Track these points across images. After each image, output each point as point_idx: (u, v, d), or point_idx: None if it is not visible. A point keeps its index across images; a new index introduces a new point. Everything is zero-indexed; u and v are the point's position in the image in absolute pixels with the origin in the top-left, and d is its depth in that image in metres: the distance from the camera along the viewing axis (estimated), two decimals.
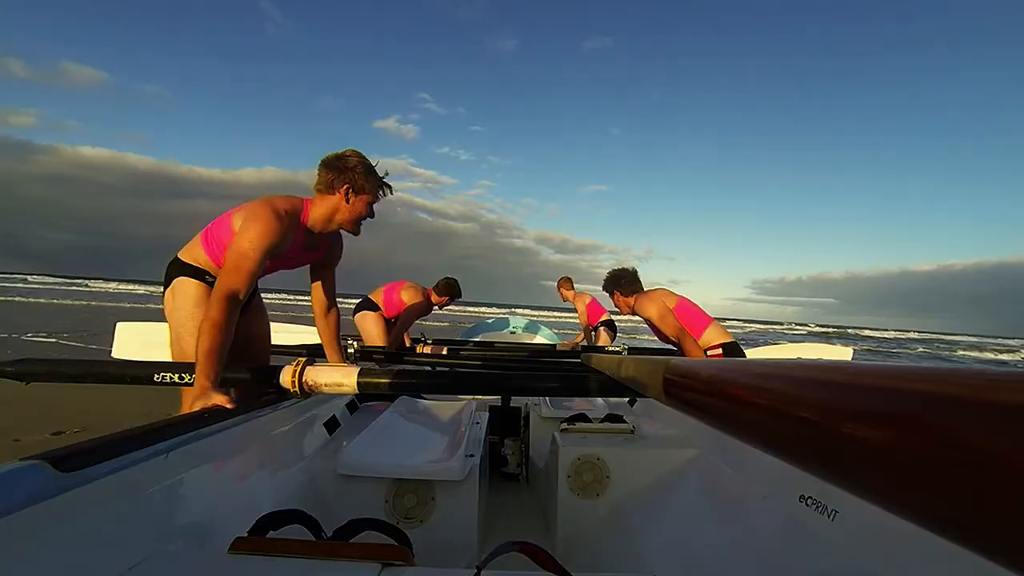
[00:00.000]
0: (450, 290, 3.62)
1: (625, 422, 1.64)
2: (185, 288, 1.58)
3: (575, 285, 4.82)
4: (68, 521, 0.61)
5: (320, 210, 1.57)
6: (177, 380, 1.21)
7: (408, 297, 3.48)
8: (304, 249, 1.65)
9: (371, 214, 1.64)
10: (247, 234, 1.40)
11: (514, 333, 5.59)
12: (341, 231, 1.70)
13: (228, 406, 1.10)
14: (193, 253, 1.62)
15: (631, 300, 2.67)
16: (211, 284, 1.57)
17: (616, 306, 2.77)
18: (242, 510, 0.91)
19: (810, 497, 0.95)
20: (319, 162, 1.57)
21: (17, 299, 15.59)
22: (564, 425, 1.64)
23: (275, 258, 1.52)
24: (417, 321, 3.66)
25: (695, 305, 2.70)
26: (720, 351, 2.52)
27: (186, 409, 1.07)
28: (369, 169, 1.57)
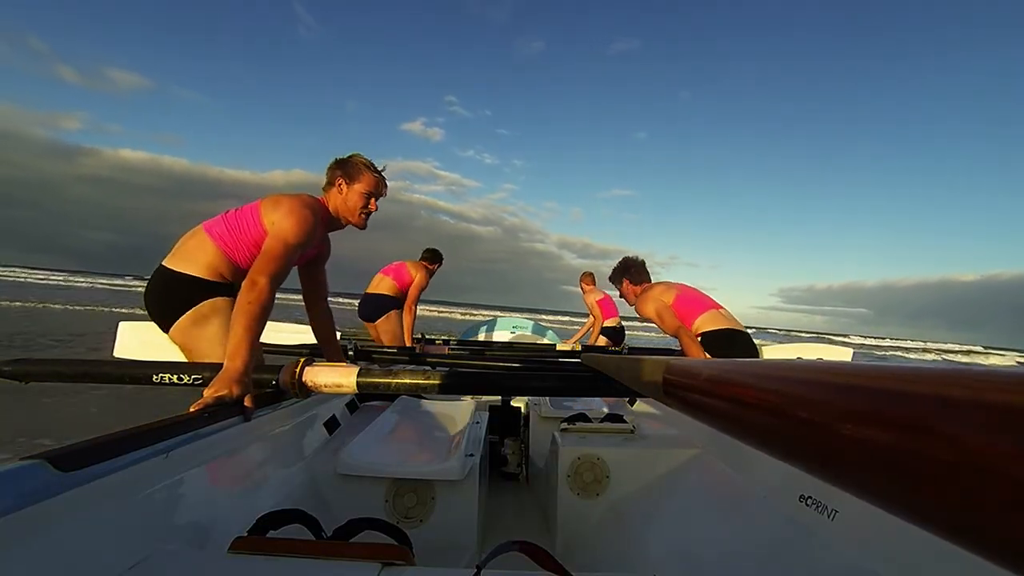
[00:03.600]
0: (434, 253, 3.92)
1: (625, 422, 1.64)
2: (224, 308, 1.44)
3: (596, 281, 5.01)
4: (68, 521, 0.61)
5: (329, 207, 1.63)
6: (176, 380, 1.20)
7: (414, 270, 3.70)
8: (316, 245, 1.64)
9: (370, 205, 1.65)
10: (289, 226, 1.38)
11: (514, 333, 5.59)
12: (344, 227, 1.72)
13: (248, 404, 1.06)
14: (208, 262, 1.47)
15: (639, 290, 2.66)
16: None
17: (623, 295, 2.75)
18: (242, 510, 0.91)
19: (810, 497, 0.95)
20: (327, 167, 1.64)
21: None
22: (564, 425, 1.64)
23: (304, 253, 1.50)
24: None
25: (695, 292, 2.63)
26: (700, 339, 2.46)
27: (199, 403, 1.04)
28: (365, 163, 1.62)
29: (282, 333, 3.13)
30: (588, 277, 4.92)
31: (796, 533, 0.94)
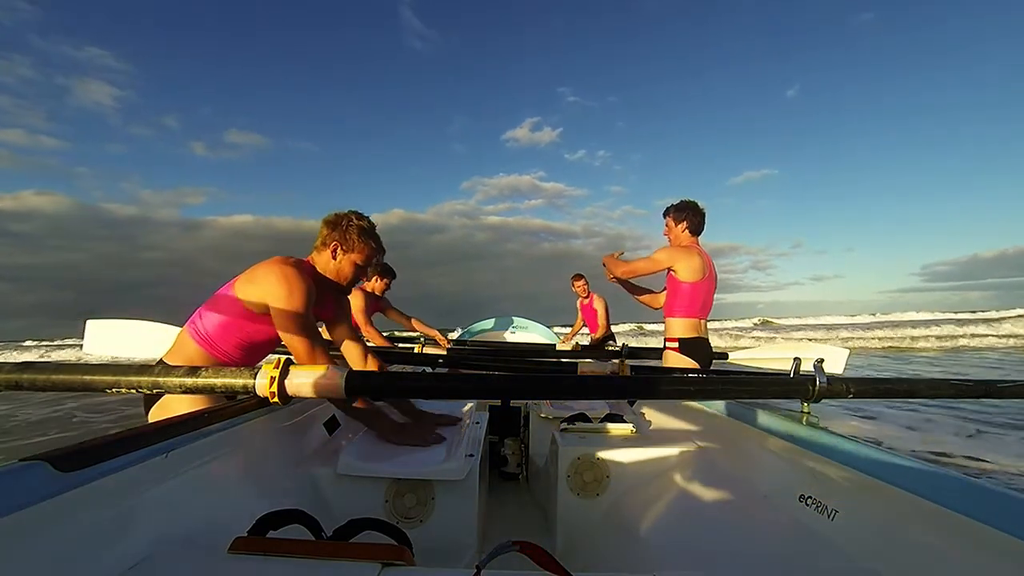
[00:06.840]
0: (380, 270, 3.50)
1: (625, 422, 1.65)
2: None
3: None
4: (68, 521, 0.62)
5: (318, 266, 1.52)
6: (150, 389, 0.90)
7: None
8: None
9: (362, 275, 1.57)
10: (285, 293, 1.31)
11: (514, 333, 5.59)
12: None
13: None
14: (188, 359, 1.39)
15: (689, 240, 2.49)
16: None
17: (665, 231, 2.59)
18: (242, 510, 0.91)
19: (810, 497, 0.95)
20: (323, 220, 1.53)
21: None
22: (564, 425, 1.64)
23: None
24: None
25: (710, 296, 2.46)
26: (676, 344, 2.41)
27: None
28: (364, 231, 1.51)
29: None
30: (580, 279, 5.13)
31: (796, 533, 0.94)
